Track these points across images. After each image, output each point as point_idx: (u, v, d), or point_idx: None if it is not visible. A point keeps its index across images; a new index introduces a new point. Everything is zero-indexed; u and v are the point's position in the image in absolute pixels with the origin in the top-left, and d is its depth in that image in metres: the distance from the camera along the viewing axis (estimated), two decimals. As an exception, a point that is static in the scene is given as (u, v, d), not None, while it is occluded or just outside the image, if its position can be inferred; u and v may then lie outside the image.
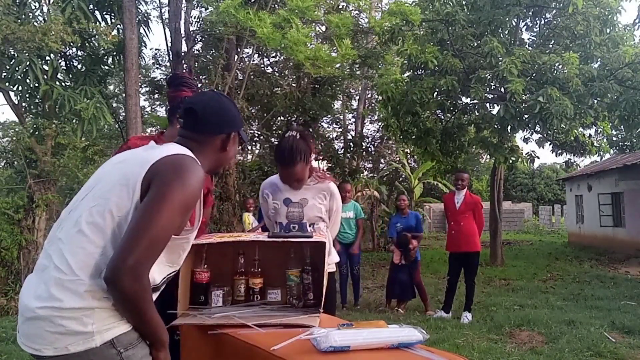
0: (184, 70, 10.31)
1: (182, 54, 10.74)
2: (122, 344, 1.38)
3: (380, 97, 11.70)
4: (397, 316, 6.20)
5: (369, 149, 16.82)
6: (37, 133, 7.72)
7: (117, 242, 1.36)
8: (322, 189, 2.61)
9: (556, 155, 11.83)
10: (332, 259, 2.61)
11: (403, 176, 17.80)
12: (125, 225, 1.37)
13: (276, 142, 16.01)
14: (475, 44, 10.05)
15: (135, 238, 1.31)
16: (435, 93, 10.22)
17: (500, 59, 8.80)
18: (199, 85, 12.46)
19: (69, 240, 1.39)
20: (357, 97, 17.92)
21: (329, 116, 16.71)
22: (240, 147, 2.27)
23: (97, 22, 8.43)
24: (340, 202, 2.71)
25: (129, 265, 1.29)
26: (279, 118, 15.27)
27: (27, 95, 8.18)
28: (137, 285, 1.31)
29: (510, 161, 10.46)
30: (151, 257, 1.35)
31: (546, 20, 10.65)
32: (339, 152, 16.06)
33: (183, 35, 10.83)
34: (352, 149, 16.07)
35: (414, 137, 11.29)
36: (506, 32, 10.62)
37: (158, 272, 1.48)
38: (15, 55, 7.45)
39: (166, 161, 1.43)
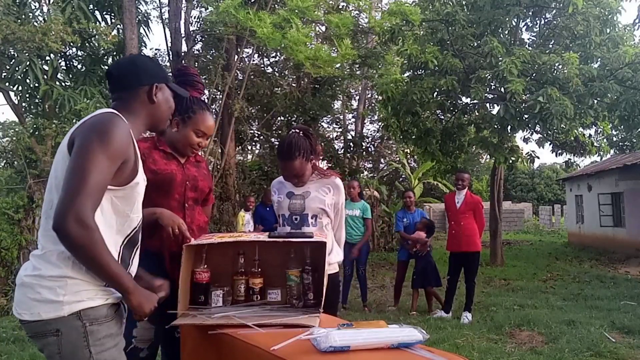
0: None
1: (182, 54, 10.74)
2: (88, 318, 1.49)
3: (380, 97, 11.69)
4: (397, 316, 6.20)
5: (369, 149, 16.82)
6: (37, 133, 7.71)
7: None
8: (326, 183, 2.63)
9: (556, 155, 11.83)
10: (332, 258, 2.60)
11: (403, 176, 17.80)
12: None
13: (276, 142, 16.06)
14: (475, 44, 10.05)
15: (69, 188, 1.42)
16: (435, 93, 10.21)
17: (500, 59, 8.79)
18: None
19: (41, 226, 1.56)
20: (357, 97, 17.93)
21: (329, 116, 16.72)
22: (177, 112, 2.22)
23: (97, 22, 8.43)
24: (343, 199, 2.71)
25: (71, 211, 1.38)
26: (279, 118, 15.27)
27: (27, 95, 8.18)
28: (82, 229, 1.38)
29: (510, 161, 10.45)
30: (89, 202, 1.41)
31: (546, 20, 10.64)
32: (339, 152, 16.06)
33: (183, 35, 10.83)
34: (352, 149, 16.07)
35: (414, 137, 11.27)
36: (506, 32, 10.61)
37: (114, 244, 1.55)
38: (15, 55, 7.45)
39: (85, 123, 1.54)
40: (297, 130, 2.62)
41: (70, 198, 1.40)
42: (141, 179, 1.63)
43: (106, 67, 9.03)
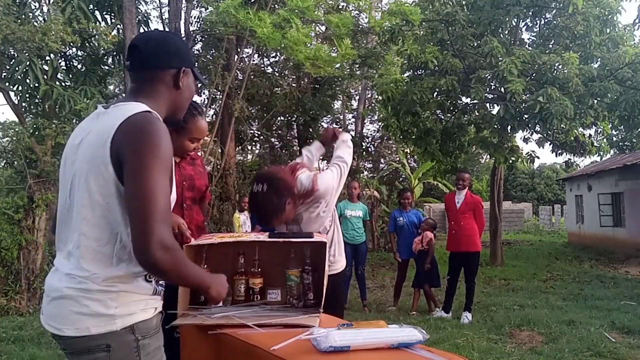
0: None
1: (182, 54, 10.70)
2: (140, 331, 1.41)
3: (380, 97, 11.69)
4: (397, 316, 6.20)
5: (369, 149, 16.82)
6: (37, 133, 7.71)
7: (114, 227, 1.39)
8: (313, 201, 2.40)
9: (556, 155, 11.83)
10: (336, 252, 2.56)
11: (403, 176, 17.80)
12: (117, 207, 1.38)
13: (276, 142, 16.00)
14: (475, 44, 10.05)
15: (144, 216, 1.31)
16: (435, 93, 10.21)
17: (500, 59, 8.79)
18: (199, 85, 12.45)
19: (76, 243, 1.40)
20: (357, 97, 17.93)
21: (329, 116, 16.70)
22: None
23: (97, 22, 8.43)
24: (332, 183, 2.48)
25: (155, 240, 1.29)
26: (279, 118, 15.27)
27: (27, 95, 8.17)
28: (168, 254, 1.31)
29: (510, 161, 10.46)
30: (167, 224, 1.34)
31: (546, 20, 10.65)
32: (339, 152, 16.01)
33: (183, 35, 10.81)
34: (352, 149, 16.03)
35: (414, 137, 11.28)
36: (506, 32, 10.61)
37: None
38: (15, 55, 7.44)
39: (127, 128, 1.38)
40: (260, 187, 2.24)
41: (148, 227, 1.30)
42: (174, 193, 1.53)
43: (106, 67, 9.06)
